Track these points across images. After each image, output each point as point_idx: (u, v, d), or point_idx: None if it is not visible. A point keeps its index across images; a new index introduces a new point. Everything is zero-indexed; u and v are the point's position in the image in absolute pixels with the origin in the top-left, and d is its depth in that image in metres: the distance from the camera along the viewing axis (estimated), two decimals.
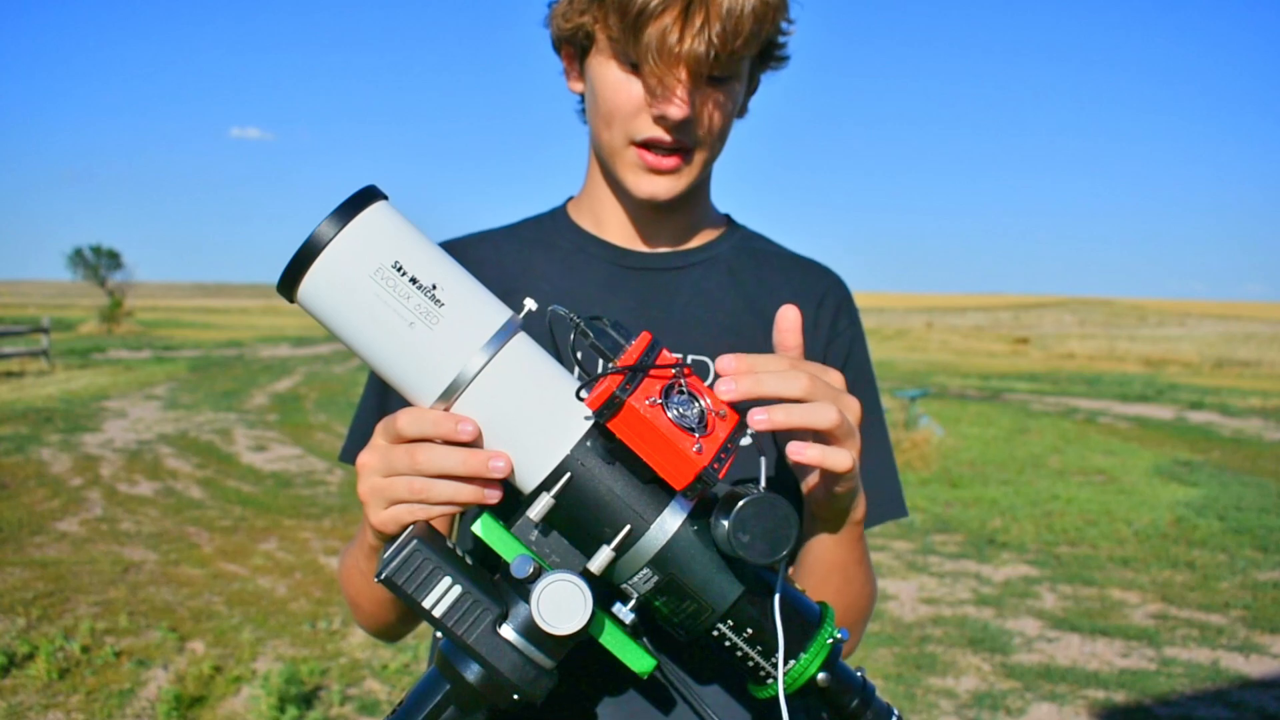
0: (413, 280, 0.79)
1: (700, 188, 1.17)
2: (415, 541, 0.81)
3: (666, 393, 0.78)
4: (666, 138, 1.05)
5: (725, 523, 0.77)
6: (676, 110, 1.02)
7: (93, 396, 14.62)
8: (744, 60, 1.06)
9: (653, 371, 0.78)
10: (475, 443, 0.82)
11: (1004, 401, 17.81)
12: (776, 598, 0.83)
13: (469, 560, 0.84)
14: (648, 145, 1.07)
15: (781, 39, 1.10)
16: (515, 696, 0.81)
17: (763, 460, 0.84)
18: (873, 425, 1.17)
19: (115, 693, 4.31)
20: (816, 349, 1.16)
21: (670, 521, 0.81)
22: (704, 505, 0.82)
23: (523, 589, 0.80)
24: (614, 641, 0.85)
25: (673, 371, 0.79)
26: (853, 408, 0.91)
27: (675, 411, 0.77)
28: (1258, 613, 5.88)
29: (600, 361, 0.83)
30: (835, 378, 0.91)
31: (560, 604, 0.78)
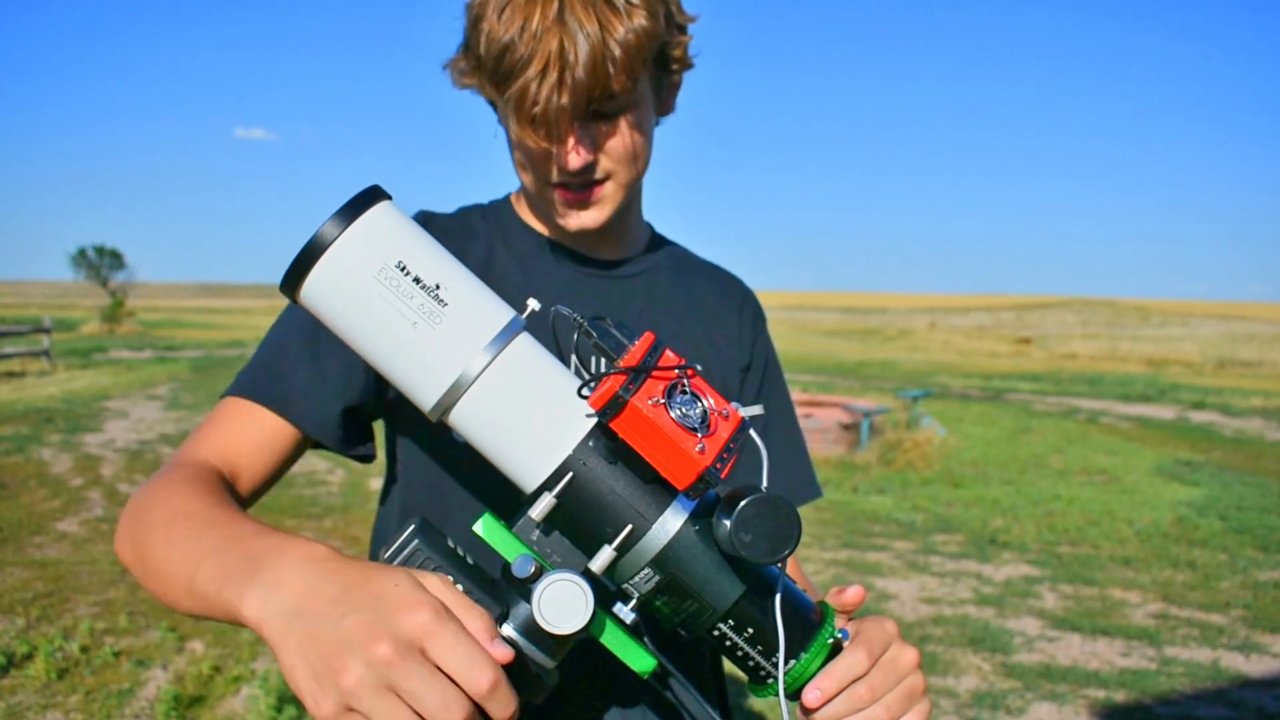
0: (416, 280, 0.79)
1: (633, 202, 1.21)
2: (416, 540, 0.81)
3: (669, 393, 0.78)
4: (574, 181, 1.09)
5: (727, 522, 0.77)
6: (572, 161, 1.05)
7: (94, 396, 14.63)
8: (632, 90, 1.05)
9: (655, 372, 0.78)
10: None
11: (1006, 401, 17.81)
12: (778, 598, 0.83)
13: (469, 559, 0.84)
14: (563, 184, 1.10)
15: (674, 50, 1.10)
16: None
17: (764, 460, 0.84)
18: (785, 415, 1.32)
19: (114, 693, 4.31)
20: (744, 351, 1.27)
21: (672, 521, 0.81)
22: (706, 505, 0.83)
23: (524, 588, 0.80)
24: (615, 641, 0.85)
25: (676, 372, 0.79)
26: (911, 683, 0.87)
27: (678, 411, 0.77)
28: (1258, 612, 5.88)
29: (603, 361, 0.83)
30: (909, 657, 0.87)
31: (561, 603, 0.78)
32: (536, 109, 1.00)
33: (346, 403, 1.08)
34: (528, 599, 0.79)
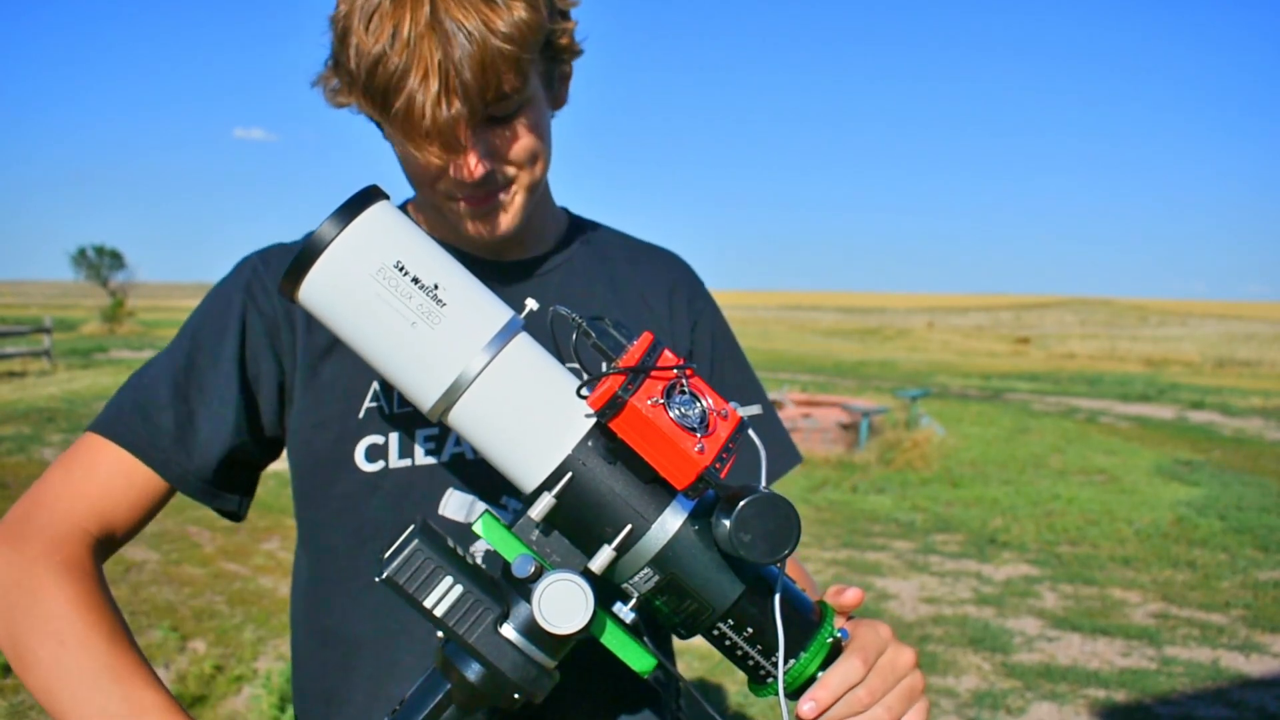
0: (414, 280, 0.79)
1: (540, 200, 1.15)
2: (417, 541, 0.81)
3: (669, 393, 0.78)
4: (474, 191, 1.03)
5: (726, 522, 0.77)
6: (467, 174, 1.00)
7: (95, 396, 14.62)
8: (523, 87, 0.99)
9: (654, 372, 0.78)
10: None
11: (1005, 401, 17.81)
12: (777, 597, 0.83)
13: (469, 560, 0.84)
14: (465, 195, 1.05)
15: (561, 39, 1.04)
16: (516, 696, 0.81)
17: (764, 459, 0.84)
18: (752, 389, 1.27)
19: None
20: (681, 334, 1.22)
21: (671, 521, 0.81)
22: (705, 505, 0.83)
23: (524, 588, 0.81)
24: (615, 641, 0.85)
25: (674, 372, 0.79)
26: (911, 682, 0.88)
27: (677, 411, 0.77)
28: (1258, 612, 5.88)
29: (602, 361, 0.83)
30: (905, 657, 0.88)
31: (561, 603, 0.78)
32: (426, 123, 0.93)
33: (217, 452, 1.06)
34: (528, 599, 0.79)
